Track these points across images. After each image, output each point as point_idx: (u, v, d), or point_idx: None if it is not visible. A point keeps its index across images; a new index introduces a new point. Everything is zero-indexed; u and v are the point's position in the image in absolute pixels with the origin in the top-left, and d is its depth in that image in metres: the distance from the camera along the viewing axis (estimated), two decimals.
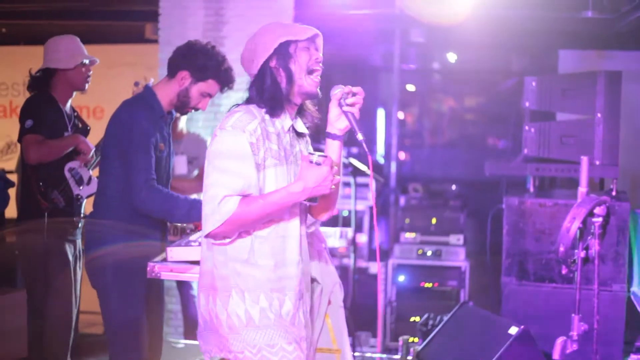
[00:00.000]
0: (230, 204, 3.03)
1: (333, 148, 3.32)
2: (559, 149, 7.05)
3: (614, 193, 6.97)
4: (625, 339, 7.07)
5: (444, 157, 10.83)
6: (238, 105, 3.27)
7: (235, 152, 3.07)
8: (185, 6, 7.40)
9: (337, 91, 3.24)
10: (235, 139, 3.08)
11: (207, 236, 3.10)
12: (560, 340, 3.66)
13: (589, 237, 3.62)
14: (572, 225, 3.53)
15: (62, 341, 5.03)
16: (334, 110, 3.27)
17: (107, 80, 5.24)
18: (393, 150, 8.57)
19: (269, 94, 3.20)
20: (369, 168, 6.41)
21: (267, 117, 3.21)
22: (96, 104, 10.18)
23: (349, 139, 9.14)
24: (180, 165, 6.33)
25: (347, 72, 11.16)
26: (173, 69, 4.39)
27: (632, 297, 7.25)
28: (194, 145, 6.34)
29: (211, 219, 3.04)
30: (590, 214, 3.55)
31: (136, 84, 4.84)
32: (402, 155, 10.13)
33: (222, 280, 3.16)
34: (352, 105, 3.22)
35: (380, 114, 11.10)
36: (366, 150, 3.17)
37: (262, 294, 3.14)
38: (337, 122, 3.29)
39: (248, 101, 3.26)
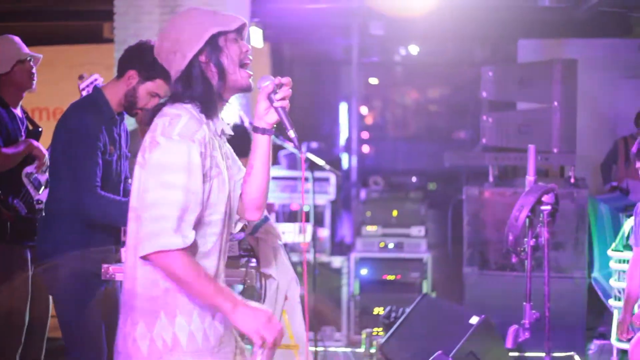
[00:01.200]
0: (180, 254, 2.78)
1: (262, 143, 3.07)
2: (517, 138, 7.10)
3: (572, 180, 7.03)
4: (588, 325, 7.14)
5: (406, 150, 10.87)
6: (166, 104, 2.98)
7: (185, 165, 2.80)
8: (141, 5, 7.34)
9: (266, 83, 2.98)
10: (184, 149, 2.80)
11: (144, 257, 2.81)
12: (512, 329, 3.68)
13: (539, 225, 3.64)
14: (520, 213, 3.54)
15: (12, 345, 4.98)
16: (262, 104, 3.01)
17: (67, 81, 5.18)
18: (354, 144, 8.58)
19: (201, 92, 2.94)
20: (301, 167, 6.41)
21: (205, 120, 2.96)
22: (56, 105, 10.09)
23: (310, 133, 9.06)
24: None
25: (308, 67, 11.17)
26: (122, 68, 4.34)
27: (593, 283, 7.31)
28: None
29: (157, 241, 2.76)
30: (539, 202, 3.56)
31: (81, 77, 4.78)
32: (365, 149, 10.16)
33: (149, 302, 2.91)
34: (282, 99, 2.98)
35: (343, 108, 11.11)
36: (297, 146, 2.97)
37: (195, 312, 2.91)
38: (267, 116, 3.03)
39: (174, 99, 2.97)
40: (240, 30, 3.00)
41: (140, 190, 2.86)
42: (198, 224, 2.85)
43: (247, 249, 3.90)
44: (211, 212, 2.90)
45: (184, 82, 2.95)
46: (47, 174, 5.10)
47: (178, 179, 2.77)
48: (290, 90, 2.99)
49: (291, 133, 2.96)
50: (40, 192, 5.06)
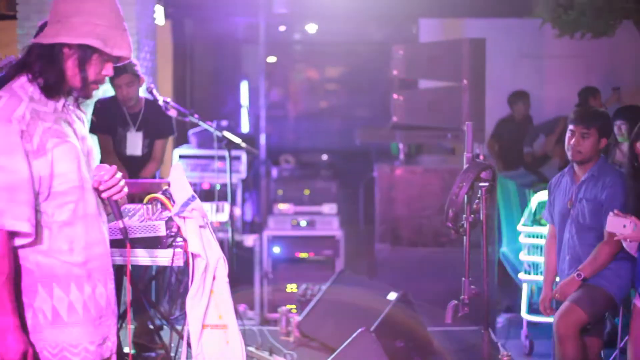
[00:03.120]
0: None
1: None
2: (426, 116, 7.16)
3: (481, 158, 7.13)
4: (497, 299, 7.30)
5: (309, 128, 10.87)
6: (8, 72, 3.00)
7: (2, 147, 2.80)
8: None
9: (96, 178, 3.05)
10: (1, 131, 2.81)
11: None
12: (451, 304, 3.72)
13: (476, 201, 3.68)
14: (460, 190, 3.58)
15: None
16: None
17: None
18: (262, 122, 8.53)
19: (52, 72, 2.96)
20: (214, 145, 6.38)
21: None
22: None
23: (214, 112, 8.90)
24: (134, 142, 6.14)
25: (210, 46, 11.05)
26: None
27: (501, 258, 7.47)
28: None
29: None
30: (478, 178, 3.61)
31: None
32: (269, 128, 10.12)
33: (25, 276, 2.90)
34: (110, 190, 3.05)
35: (244, 86, 11.04)
36: (125, 237, 3.15)
37: (72, 283, 2.94)
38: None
39: (19, 67, 2.99)
40: (117, 59, 3.02)
41: None
42: (49, 196, 2.89)
43: (174, 229, 3.84)
44: (60, 181, 2.92)
45: (43, 55, 2.94)
46: None
47: None
48: (116, 181, 3.05)
49: (120, 224, 3.09)
50: None
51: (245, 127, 10.47)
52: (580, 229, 4.87)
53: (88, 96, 3.06)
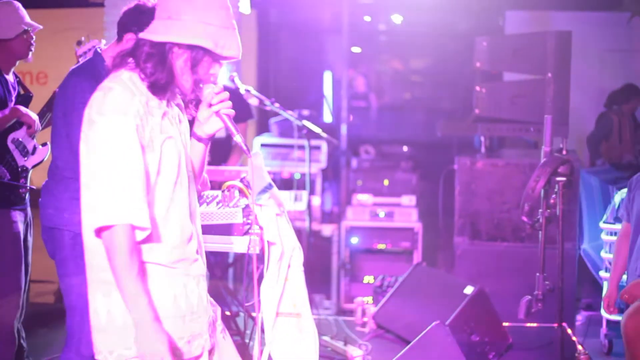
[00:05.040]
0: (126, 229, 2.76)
1: (197, 150, 3.14)
2: (509, 109, 7.07)
3: (564, 152, 7.03)
4: (577, 296, 7.19)
5: (392, 119, 10.85)
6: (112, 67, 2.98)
7: (121, 141, 2.77)
8: None
9: (207, 91, 2.99)
10: (118, 125, 2.78)
11: (97, 228, 2.80)
12: (525, 300, 3.67)
13: (553, 196, 3.62)
14: (537, 184, 3.52)
15: (11, 306, 4.93)
16: (204, 112, 3.06)
17: (50, 46, 5.08)
18: (343, 113, 8.54)
19: (162, 72, 2.92)
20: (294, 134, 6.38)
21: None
22: (39, 69, 9.99)
23: (296, 101, 8.96)
24: None
25: (294, 35, 11.10)
26: (121, 31, 4.26)
27: (582, 254, 7.35)
28: None
29: (100, 215, 2.76)
30: (555, 172, 3.55)
31: (78, 42, 4.69)
32: (350, 118, 10.13)
33: (105, 272, 2.90)
34: (221, 103, 3.01)
35: (328, 76, 11.05)
36: (245, 149, 3.04)
37: (165, 277, 2.93)
38: (206, 125, 3.09)
39: (123, 59, 2.96)
40: (225, 59, 2.98)
41: (84, 166, 2.85)
42: (153, 191, 2.87)
43: (251, 217, 3.88)
44: (163, 177, 2.90)
45: (153, 54, 2.90)
46: (35, 140, 5.03)
47: (116, 155, 2.77)
48: (226, 96, 3.01)
49: (237, 138, 3.01)
50: (26, 159, 4.99)
51: (327, 117, 10.49)
52: None
53: (197, 98, 3.03)
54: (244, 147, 3.02)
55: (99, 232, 2.80)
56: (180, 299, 2.94)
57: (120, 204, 2.75)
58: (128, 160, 2.77)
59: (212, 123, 3.07)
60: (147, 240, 2.85)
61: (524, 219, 3.64)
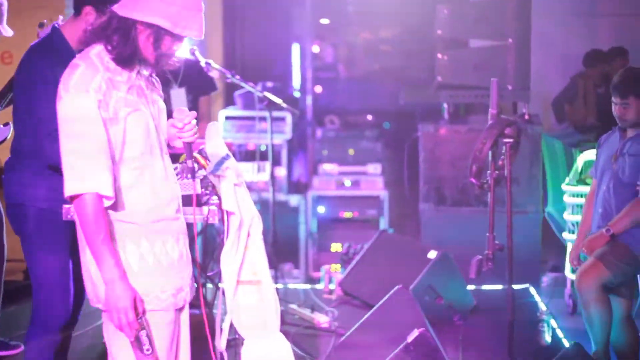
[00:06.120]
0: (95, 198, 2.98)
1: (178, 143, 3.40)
2: (472, 75, 7.12)
3: (526, 117, 7.10)
4: (542, 258, 7.29)
5: (360, 89, 10.84)
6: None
7: (83, 116, 2.97)
8: None
9: (176, 115, 3.22)
10: (80, 101, 2.97)
11: (67, 197, 3.02)
12: (475, 259, 3.73)
13: (501, 158, 3.68)
14: (484, 146, 3.58)
15: None
16: (172, 130, 3.28)
17: (15, 25, 5.09)
18: (308, 84, 8.55)
19: (127, 47, 3.11)
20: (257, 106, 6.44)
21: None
22: (4, 49, 9.89)
23: (263, 73, 8.91)
24: (179, 99, 6.24)
25: (260, 7, 11.05)
26: (78, 5, 4.26)
27: (546, 217, 7.44)
28: None
29: (69, 186, 2.98)
30: (502, 134, 3.60)
31: (41, 25, 4.69)
32: (318, 89, 10.12)
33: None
34: (187, 132, 3.24)
35: (295, 48, 11.03)
36: (193, 176, 3.36)
37: (142, 238, 3.14)
38: (175, 141, 3.40)
39: (94, 35, 3.15)
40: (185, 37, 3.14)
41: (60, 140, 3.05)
42: (119, 162, 3.08)
43: (209, 187, 3.91)
44: (130, 148, 3.09)
45: (120, 28, 3.07)
46: None
47: (79, 129, 2.97)
48: (192, 127, 3.22)
49: (189, 163, 3.31)
50: None
51: (295, 88, 10.48)
52: (617, 183, 4.83)
53: (160, 72, 3.23)
54: (193, 174, 3.36)
55: (71, 200, 3.02)
56: (160, 256, 3.16)
57: (85, 175, 2.96)
58: (90, 133, 2.97)
59: (176, 142, 3.38)
60: (120, 204, 3.08)
61: (472, 180, 3.70)
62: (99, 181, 2.97)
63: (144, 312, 3.07)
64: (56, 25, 4.36)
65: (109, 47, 3.07)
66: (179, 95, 6.20)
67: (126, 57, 3.08)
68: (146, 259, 3.13)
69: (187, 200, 3.90)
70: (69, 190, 2.99)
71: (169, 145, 3.39)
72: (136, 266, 3.11)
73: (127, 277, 3.03)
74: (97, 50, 3.09)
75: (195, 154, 4.02)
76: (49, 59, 4.09)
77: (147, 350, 3.03)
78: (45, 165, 4.06)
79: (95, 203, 2.98)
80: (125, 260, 3.09)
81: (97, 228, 2.98)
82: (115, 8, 3.08)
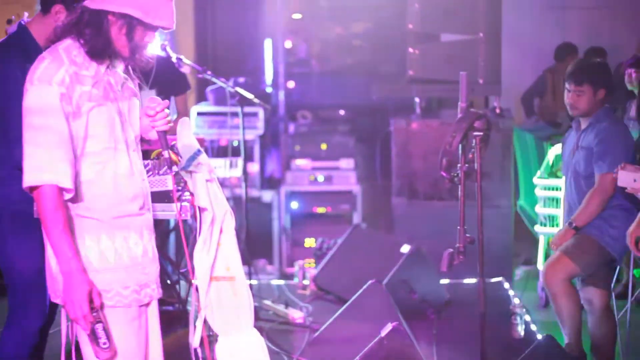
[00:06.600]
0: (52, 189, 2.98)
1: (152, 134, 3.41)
2: (443, 69, 7.14)
3: (498, 111, 7.13)
4: (515, 252, 7.33)
5: (332, 84, 10.83)
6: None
7: (44, 108, 2.98)
8: None
9: (148, 105, 3.28)
10: (42, 93, 2.99)
11: (26, 187, 3.02)
12: (447, 253, 3.74)
13: (471, 151, 3.70)
14: (453, 139, 3.59)
15: None
16: (145, 120, 3.32)
17: None
18: (280, 79, 8.54)
19: (98, 39, 3.12)
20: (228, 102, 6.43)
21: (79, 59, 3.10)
22: None
23: (235, 68, 8.88)
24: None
25: (232, 2, 11.01)
26: (46, 3, 4.20)
27: (518, 210, 7.48)
28: None
29: (27, 177, 2.98)
30: (471, 127, 3.61)
31: (9, 21, 4.64)
32: (291, 84, 10.12)
33: None
34: (160, 121, 3.29)
35: (268, 44, 11.00)
36: (169, 165, 3.37)
37: (102, 234, 3.13)
38: (150, 132, 3.39)
39: (65, 31, 3.16)
40: (158, 28, 3.15)
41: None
42: (81, 156, 3.08)
43: (181, 183, 3.89)
44: (93, 142, 3.09)
45: (91, 21, 3.08)
46: None
47: (40, 121, 2.98)
48: (165, 114, 3.27)
49: (165, 153, 3.29)
50: None
51: (267, 84, 10.46)
52: (576, 177, 4.88)
53: (136, 64, 3.22)
54: (169, 164, 3.34)
55: (30, 191, 3.01)
56: (122, 252, 3.14)
57: (44, 166, 2.96)
58: (51, 125, 2.98)
59: (151, 133, 3.36)
60: (81, 199, 3.08)
61: (443, 174, 3.71)
62: (57, 172, 2.97)
63: (101, 305, 3.06)
64: (22, 22, 4.31)
65: (82, 41, 3.08)
66: (149, 96, 6.14)
67: (99, 49, 3.08)
68: (106, 255, 3.12)
69: (159, 197, 3.89)
70: (27, 180, 2.99)
71: (144, 140, 3.38)
72: (96, 262, 3.10)
73: (84, 271, 3.02)
74: (66, 45, 3.10)
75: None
76: (15, 56, 4.05)
77: (104, 344, 3.00)
78: (17, 167, 4.01)
79: (53, 195, 2.97)
80: (85, 256, 3.08)
81: (55, 220, 2.97)
82: (86, 2, 3.09)
